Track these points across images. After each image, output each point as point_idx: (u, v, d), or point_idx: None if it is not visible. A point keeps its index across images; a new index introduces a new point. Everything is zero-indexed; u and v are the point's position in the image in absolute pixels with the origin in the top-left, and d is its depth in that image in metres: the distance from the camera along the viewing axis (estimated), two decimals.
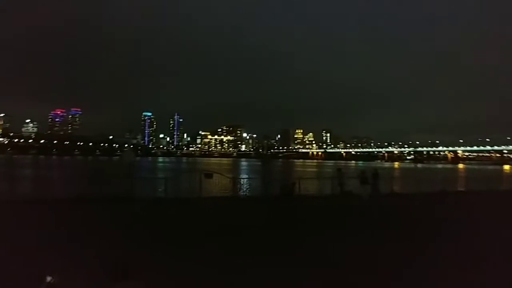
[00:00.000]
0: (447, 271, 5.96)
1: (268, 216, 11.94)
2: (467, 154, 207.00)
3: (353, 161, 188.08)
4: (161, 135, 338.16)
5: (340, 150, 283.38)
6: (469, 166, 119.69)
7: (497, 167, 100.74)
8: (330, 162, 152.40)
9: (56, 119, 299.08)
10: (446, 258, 6.72)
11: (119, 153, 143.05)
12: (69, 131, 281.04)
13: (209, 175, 19.13)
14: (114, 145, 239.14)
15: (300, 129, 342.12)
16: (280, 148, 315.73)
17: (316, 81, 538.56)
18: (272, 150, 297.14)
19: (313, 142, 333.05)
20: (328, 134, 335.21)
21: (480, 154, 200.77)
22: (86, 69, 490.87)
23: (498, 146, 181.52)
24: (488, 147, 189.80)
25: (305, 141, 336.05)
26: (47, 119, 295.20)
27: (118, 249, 6.65)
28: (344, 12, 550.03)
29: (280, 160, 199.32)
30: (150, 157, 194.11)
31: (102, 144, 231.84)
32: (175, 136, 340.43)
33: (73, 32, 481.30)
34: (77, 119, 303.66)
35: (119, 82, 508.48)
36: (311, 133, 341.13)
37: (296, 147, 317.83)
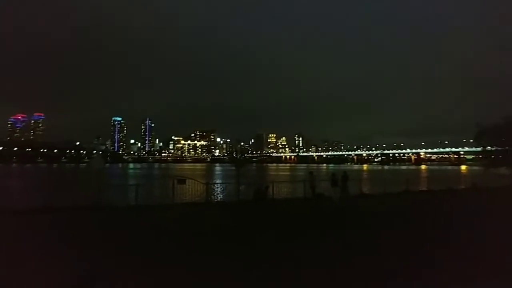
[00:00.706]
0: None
1: (238, 221, 12.04)
2: (428, 155, 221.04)
3: (325, 164, 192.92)
4: (132, 141, 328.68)
5: (312, 153, 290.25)
6: (431, 167, 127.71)
7: (455, 167, 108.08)
8: (302, 166, 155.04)
9: (17, 125, 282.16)
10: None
11: (86, 160, 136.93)
12: (31, 137, 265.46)
13: (182, 181, 18.87)
14: (81, 151, 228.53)
15: (274, 133, 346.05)
16: (254, 152, 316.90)
17: (288, 86, 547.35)
18: (246, 155, 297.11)
19: (286, 146, 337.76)
20: (300, 138, 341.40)
21: (440, 156, 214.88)
22: (50, 71, 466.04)
23: (455, 148, 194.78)
24: (447, 149, 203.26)
25: (278, 145, 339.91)
26: (6, 124, 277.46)
27: (82, 261, 6.50)
28: (313, 14, 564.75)
29: (254, 164, 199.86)
30: (120, 164, 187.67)
31: (68, 151, 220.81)
32: (146, 142, 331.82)
33: (36, 31, 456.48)
34: (40, 125, 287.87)
35: (87, 85, 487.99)
36: (284, 137, 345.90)
37: (269, 151, 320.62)
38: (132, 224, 11.13)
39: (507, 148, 9.53)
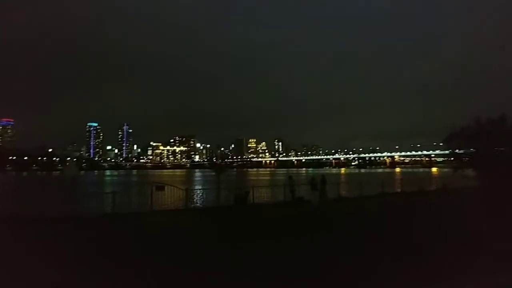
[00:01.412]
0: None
1: (218, 227, 12.01)
2: (402, 158, 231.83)
3: (304, 168, 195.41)
4: (109, 147, 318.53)
5: (292, 158, 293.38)
6: (404, 170, 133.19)
7: (427, 170, 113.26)
8: (282, 170, 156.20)
9: None
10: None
11: (60, 168, 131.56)
12: None
13: (161, 188, 18.58)
14: (54, 158, 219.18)
15: (254, 138, 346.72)
16: (234, 157, 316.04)
17: (267, 91, 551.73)
18: (226, 160, 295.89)
19: (266, 151, 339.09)
20: (280, 143, 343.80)
21: (413, 159, 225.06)
22: (20, 75, 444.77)
23: (427, 151, 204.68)
24: (420, 152, 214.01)
25: (258, 150, 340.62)
26: None
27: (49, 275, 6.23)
28: (289, 20, 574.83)
29: (234, 169, 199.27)
30: (96, 171, 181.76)
31: (40, 158, 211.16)
32: (124, 148, 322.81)
33: (4, 32, 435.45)
34: (8, 131, 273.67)
35: (60, 90, 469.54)
36: (264, 142, 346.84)
37: (250, 156, 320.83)
38: (104, 234, 10.79)
39: (473, 150, 10.10)
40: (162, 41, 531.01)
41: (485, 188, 8.97)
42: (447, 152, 11.31)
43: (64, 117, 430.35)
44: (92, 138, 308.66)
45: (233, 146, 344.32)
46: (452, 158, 12.13)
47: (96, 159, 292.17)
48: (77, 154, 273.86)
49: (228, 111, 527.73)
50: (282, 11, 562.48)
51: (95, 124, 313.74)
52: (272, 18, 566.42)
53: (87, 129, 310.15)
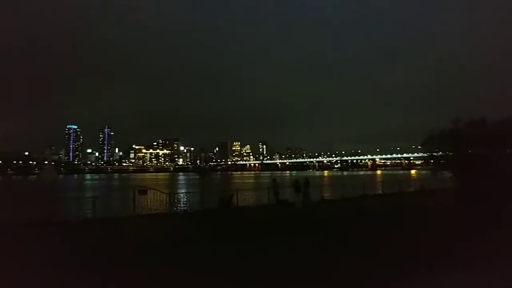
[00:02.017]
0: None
1: (200, 230, 11.92)
2: (383, 161, 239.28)
3: (288, 171, 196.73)
4: (89, 150, 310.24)
5: (276, 161, 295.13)
6: (385, 172, 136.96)
7: (406, 172, 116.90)
8: (266, 173, 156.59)
9: None
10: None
11: (37, 172, 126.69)
12: None
13: (143, 192, 18.24)
14: (31, 162, 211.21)
15: (238, 141, 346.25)
16: (219, 160, 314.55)
17: (252, 94, 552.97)
18: (210, 163, 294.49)
19: (251, 154, 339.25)
20: (264, 146, 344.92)
21: (393, 161, 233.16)
22: None
23: (406, 153, 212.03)
24: (399, 155, 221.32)
25: (242, 153, 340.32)
26: None
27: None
28: (275, 24, 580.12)
29: (219, 172, 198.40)
30: (76, 175, 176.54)
31: (15, 162, 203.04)
32: (105, 151, 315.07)
33: None
34: None
35: (38, 91, 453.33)
36: (248, 145, 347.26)
37: (234, 159, 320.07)
38: (81, 240, 10.48)
39: (449, 153, 10.48)
40: (144, 42, 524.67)
41: (460, 189, 9.33)
42: (425, 155, 11.68)
43: (42, 119, 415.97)
44: (71, 141, 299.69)
45: (217, 149, 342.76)
46: (431, 161, 12.51)
47: (76, 162, 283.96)
48: (55, 157, 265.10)
49: (212, 114, 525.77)
50: (260, 15, 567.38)
51: (75, 127, 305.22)
52: (260, 20, 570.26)
53: (67, 132, 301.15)
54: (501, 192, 7.55)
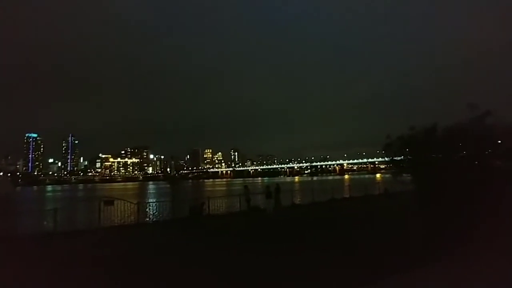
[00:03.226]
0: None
1: (170, 241, 11.72)
2: (350, 166, 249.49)
3: (260, 178, 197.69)
4: (50, 160, 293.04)
5: (248, 168, 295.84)
6: (352, 176, 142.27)
7: (372, 176, 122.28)
8: (239, 180, 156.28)
9: None
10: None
11: None
12: None
13: (109, 202, 17.57)
14: None
15: (209, 148, 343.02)
16: (190, 168, 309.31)
17: (222, 101, 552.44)
18: (181, 171, 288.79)
19: (222, 161, 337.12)
20: (236, 153, 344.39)
21: (359, 166, 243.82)
22: None
23: (371, 158, 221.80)
24: (365, 160, 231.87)
25: (214, 161, 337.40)
26: None
27: None
28: (256, 32, 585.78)
29: (190, 181, 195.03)
30: (35, 186, 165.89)
31: None
32: (68, 161, 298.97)
33: None
34: None
35: None
36: (220, 153, 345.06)
37: (206, 167, 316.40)
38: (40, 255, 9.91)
39: (408, 157, 11.18)
40: (116, 47, 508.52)
41: (417, 191, 9.99)
42: (387, 159, 12.31)
43: None
44: (31, 151, 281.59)
45: (188, 156, 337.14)
46: (392, 165, 13.18)
47: (36, 173, 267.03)
48: (12, 168, 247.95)
49: (183, 122, 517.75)
50: (241, 19, 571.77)
51: (35, 135, 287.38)
52: (235, 26, 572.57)
53: (25, 141, 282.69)
54: (451, 193, 8.25)
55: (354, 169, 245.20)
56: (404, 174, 12.60)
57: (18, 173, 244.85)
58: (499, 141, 9.09)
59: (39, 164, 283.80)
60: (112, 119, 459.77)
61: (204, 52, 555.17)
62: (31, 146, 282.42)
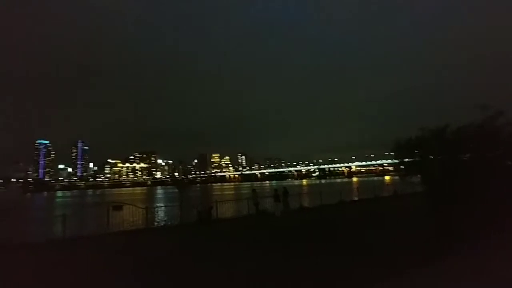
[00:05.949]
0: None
1: (177, 245, 11.72)
2: (359, 168, 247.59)
3: (268, 181, 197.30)
4: (61, 166, 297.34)
5: (255, 171, 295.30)
6: (361, 179, 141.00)
7: (380, 178, 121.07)
8: (246, 184, 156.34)
9: None
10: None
11: (2, 189, 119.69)
12: None
13: (118, 207, 17.77)
14: None
15: (217, 153, 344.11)
16: (198, 173, 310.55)
17: (230, 105, 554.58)
18: (189, 176, 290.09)
19: (230, 165, 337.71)
20: (244, 157, 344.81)
21: (368, 168, 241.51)
22: None
23: (380, 160, 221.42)
24: (373, 162, 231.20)
25: (222, 165, 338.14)
26: None
27: None
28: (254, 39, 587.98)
29: (198, 185, 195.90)
30: (46, 192, 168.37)
31: None
32: (78, 166, 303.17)
33: None
34: None
35: (4, 104, 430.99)
36: (227, 157, 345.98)
37: (213, 171, 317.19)
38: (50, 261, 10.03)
39: (417, 159, 11.04)
40: (123, 53, 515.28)
41: (427, 193, 9.89)
42: (396, 161, 12.21)
43: (8, 134, 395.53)
44: (41, 157, 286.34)
45: (196, 161, 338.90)
46: (402, 166, 13.05)
47: (46, 179, 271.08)
48: (23, 174, 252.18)
49: (191, 126, 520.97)
50: (247, 23, 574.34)
51: (46, 142, 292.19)
52: (241, 30, 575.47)
53: (36, 147, 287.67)
54: (462, 194, 8.14)
55: (363, 172, 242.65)
56: (413, 176, 12.45)
57: (29, 179, 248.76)
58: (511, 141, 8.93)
59: (49, 170, 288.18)
60: (120, 124, 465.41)
61: (212, 58, 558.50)
62: (41, 153, 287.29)
